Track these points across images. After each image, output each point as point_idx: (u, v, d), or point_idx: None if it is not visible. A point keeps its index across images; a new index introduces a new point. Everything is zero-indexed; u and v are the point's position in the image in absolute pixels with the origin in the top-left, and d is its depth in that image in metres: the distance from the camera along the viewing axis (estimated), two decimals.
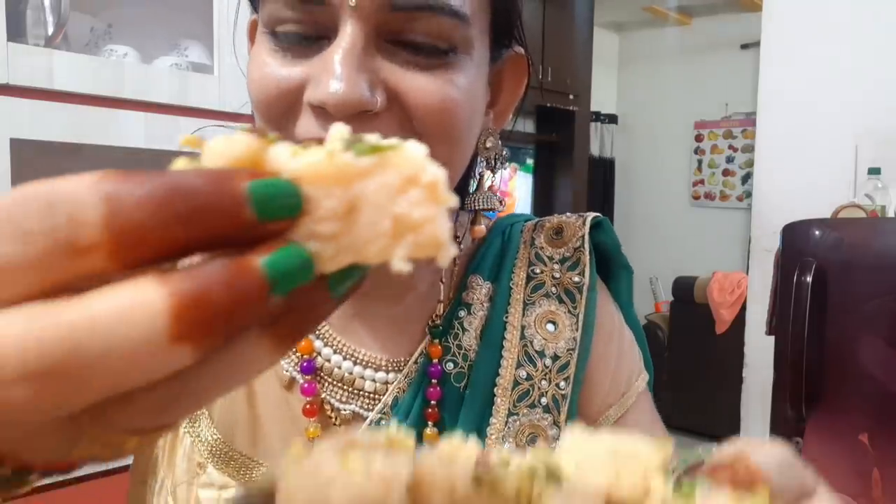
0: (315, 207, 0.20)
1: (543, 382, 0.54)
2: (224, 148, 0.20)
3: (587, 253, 0.60)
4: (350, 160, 0.21)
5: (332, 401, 0.53)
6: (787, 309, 1.45)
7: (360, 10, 0.42)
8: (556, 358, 0.55)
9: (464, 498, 0.27)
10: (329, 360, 0.53)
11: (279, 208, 0.20)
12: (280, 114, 0.45)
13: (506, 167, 0.58)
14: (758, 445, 0.31)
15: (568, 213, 0.64)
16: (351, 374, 0.53)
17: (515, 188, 4.56)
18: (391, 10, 0.43)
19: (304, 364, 0.52)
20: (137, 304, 0.18)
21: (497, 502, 0.26)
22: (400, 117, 0.45)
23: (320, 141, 0.43)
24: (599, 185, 5.61)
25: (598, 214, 0.63)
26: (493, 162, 0.56)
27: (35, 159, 1.35)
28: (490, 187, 0.57)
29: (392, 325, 0.55)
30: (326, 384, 0.53)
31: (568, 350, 0.56)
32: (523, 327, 0.56)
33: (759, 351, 2.09)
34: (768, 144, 2.20)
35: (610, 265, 0.64)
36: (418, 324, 0.56)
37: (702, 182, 5.55)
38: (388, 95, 0.44)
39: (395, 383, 0.53)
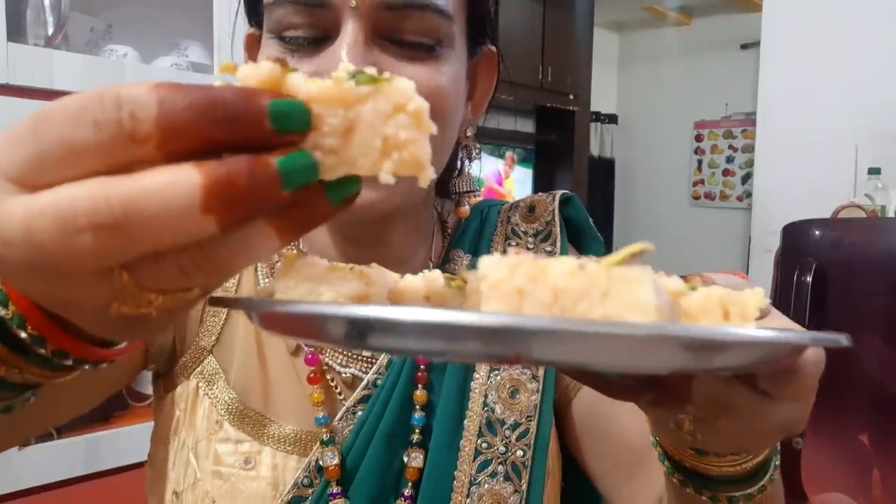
0: (321, 124, 0.25)
1: None
2: (253, 72, 0.25)
3: (557, 225, 0.65)
4: (351, 87, 0.25)
5: (334, 365, 0.58)
6: (787, 309, 1.45)
7: (359, 11, 0.49)
8: None
9: (436, 302, 0.31)
10: None
11: (292, 122, 0.24)
12: None
13: (477, 157, 0.64)
14: (720, 273, 0.35)
15: (540, 193, 0.70)
16: None
17: (514, 186, 4.55)
18: (385, 10, 0.49)
19: None
20: (180, 180, 0.23)
21: (462, 295, 0.30)
22: None
23: None
24: (599, 185, 5.61)
25: (567, 192, 0.69)
26: (469, 151, 0.63)
27: None
28: (468, 173, 0.64)
29: None
30: (328, 350, 0.58)
31: None
32: None
33: None
34: (768, 144, 2.20)
35: (582, 238, 0.69)
36: None
37: (702, 182, 5.55)
38: None
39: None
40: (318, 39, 0.51)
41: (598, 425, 0.63)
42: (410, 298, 0.31)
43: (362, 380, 0.58)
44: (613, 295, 0.21)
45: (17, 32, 1.19)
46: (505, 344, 0.21)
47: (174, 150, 0.23)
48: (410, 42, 0.51)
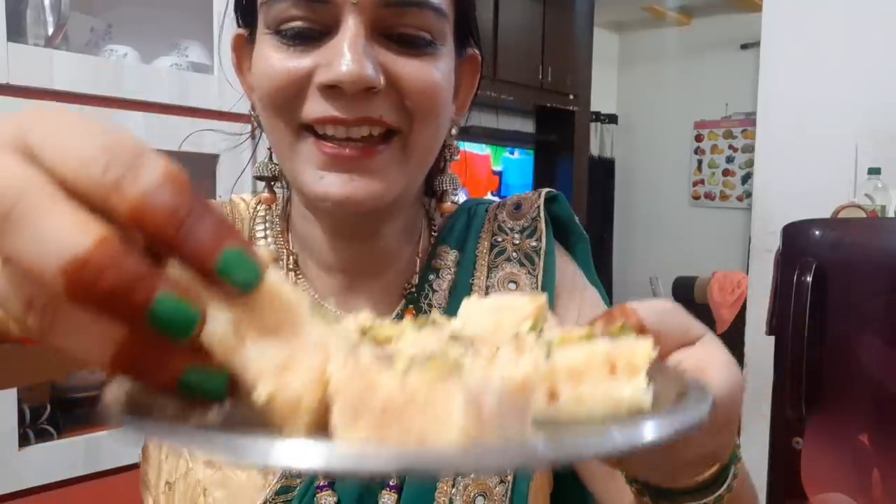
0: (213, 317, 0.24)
1: None
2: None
3: (543, 222, 0.67)
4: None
5: None
6: (787, 309, 1.45)
7: (359, 7, 0.50)
8: None
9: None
10: None
11: (172, 328, 0.23)
12: (289, 100, 0.52)
13: (457, 156, 0.66)
14: (645, 301, 0.35)
15: (527, 191, 0.71)
16: None
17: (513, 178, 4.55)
18: (385, 6, 0.51)
19: None
20: (67, 238, 0.23)
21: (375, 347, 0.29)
22: (396, 96, 0.53)
23: (333, 120, 0.51)
24: (599, 185, 5.61)
25: (553, 190, 0.70)
26: (452, 150, 0.65)
27: None
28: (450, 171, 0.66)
29: (376, 296, 0.63)
30: None
31: None
32: (488, 287, 0.64)
33: (759, 351, 2.09)
34: (768, 144, 2.20)
35: (569, 236, 0.70)
36: (397, 293, 0.63)
37: (702, 182, 5.55)
38: (386, 78, 0.51)
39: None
40: (318, 34, 0.51)
41: None
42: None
43: None
44: (429, 410, 0.22)
45: (17, 32, 1.19)
46: (355, 474, 0.21)
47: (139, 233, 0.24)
48: (408, 38, 0.52)
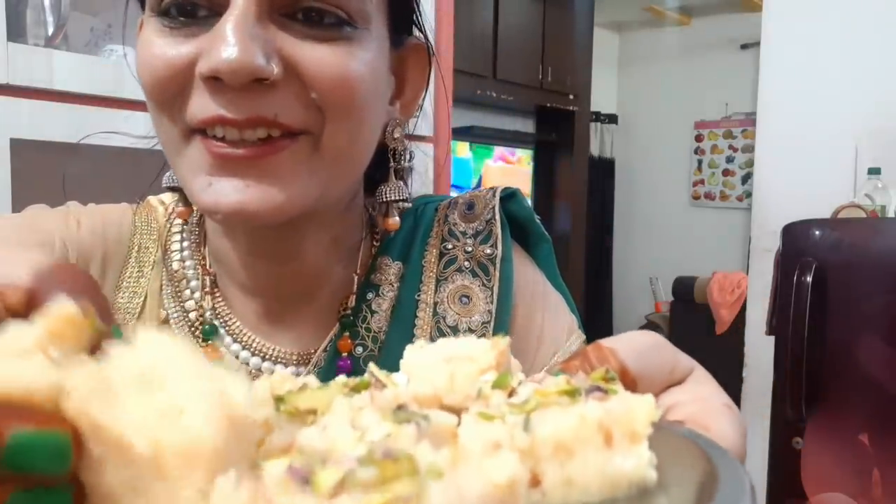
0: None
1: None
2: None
3: (499, 224, 0.58)
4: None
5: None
6: (787, 309, 1.45)
7: None
8: (470, 332, 0.54)
9: (267, 426, 0.23)
10: (238, 357, 0.53)
11: (32, 466, 0.17)
12: (173, 95, 0.44)
13: (409, 161, 0.56)
14: (623, 336, 0.30)
15: (482, 188, 0.63)
16: (259, 370, 0.52)
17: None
18: None
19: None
20: None
21: (293, 426, 0.23)
22: (298, 89, 0.43)
23: (220, 120, 0.41)
24: (599, 185, 5.61)
25: (509, 186, 0.62)
26: (399, 156, 0.54)
27: (35, 159, 1.35)
28: (401, 178, 0.56)
29: (306, 320, 0.54)
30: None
31: (483, 324, 0.55)
32: (436, 304, 0.56)
33: (759, 351, 2.09)
34: (768, 144, 2.20)
35: (528, 237, 0.63)
36: (331, 315, 0.55)
37: (702, 182, 5.55)
38: (285, 67, 0.43)
39: (301, 375, 0.52)
40: (205, 13, 0.43)
41: None
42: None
43: None
44: None
45: (17, 32, 1.19)
46: None
47: None
48: (314, 15, 0.43)
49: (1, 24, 1.11)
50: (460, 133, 3.88)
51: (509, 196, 0.61)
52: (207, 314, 0.53)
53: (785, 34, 2.15)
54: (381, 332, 0.55)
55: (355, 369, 0.52)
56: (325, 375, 0.52)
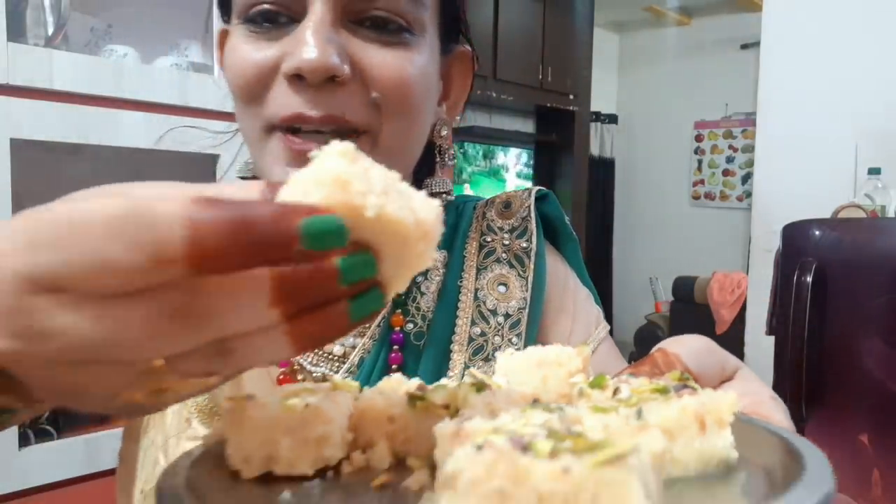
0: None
1: (497, 338, 0.59)
2: (311, 175, 0.25)
3: (533, 221, 0.65)
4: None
5: (305, 364, 0.57)
6: (787, 309, 1.45)
7: None
8: (507, 316, 0.60)
9: (401, 426, 0.30)
10: None
11: (326, 241, 0.24)
12: (258, 92, 0.51)
13: (453, 159, 0.63)
14: (678, 340, 0.37)
15: (517, 188, 0.69)
16: None
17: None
18: None
19: None
20: (253, 282, 0.24)
21: (430, 418, 0.28)
22: (361, 89, 0.50)
23: (299, 118, 0.49)
24: (599, 185, 5.61)
25: (542, 188, 0.68)
26: (444, 152, 0.61)
27: (35, 159, 1.35)
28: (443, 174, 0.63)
29: None
30: None
31: (519, 309, 0.61)
32: (476, 290, 0.61)
33: (759, 351, 2.09)
34: (768, 144, 2.20)
35: (558, 236, 0.69)
36: None
37: (702, 182, 5.55)
38: (352, 68, 0.49)
39: (359, 346, 0.57)
40: (286, 19, 0.50)
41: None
42: (373, 425, 0.30)
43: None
44: (603, 500, 0.20)
45: (17, 32, 1.19)
46: None
47: (209, 269, 0.23)
48: (379, 22, 0.50)
49: (1, 24, 1.11)
50: (460, 133, 3.88)
51: (542, 197, 0.67)
52: None
53: (785, 34, 2.15)
54: (428, 311, 0.60)
55: (406, 343, 0.58)
56: (380, 346, 0.57)
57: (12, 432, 1.15)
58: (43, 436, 1.22)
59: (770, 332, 1.59)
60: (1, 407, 0.30)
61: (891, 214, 1.89)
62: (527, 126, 4.74)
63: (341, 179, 0.25)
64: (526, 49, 4.13)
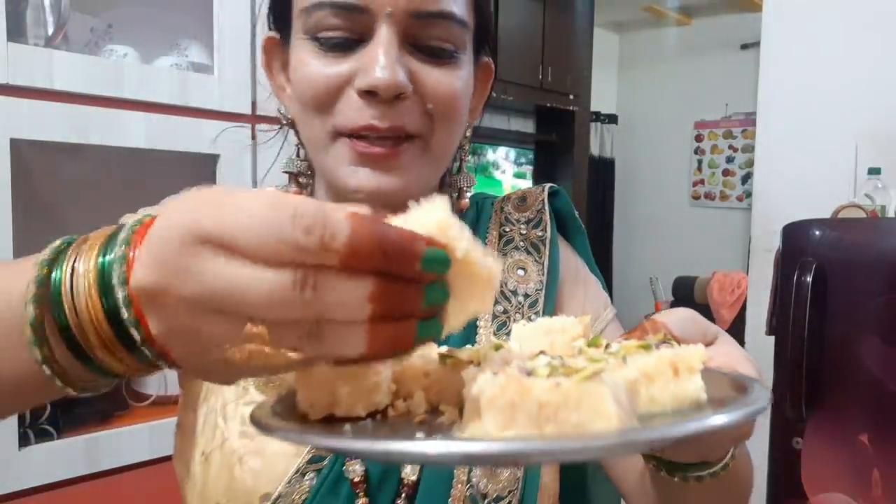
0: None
1: (517, 315, 0.67)
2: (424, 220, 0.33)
3: (547, 214, 0.73)
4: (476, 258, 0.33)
5: None
6: (787, 309, 1.45)
7: (392, 17, 0.56)
8: (527, 296, 0.68)
9: (435, 380, 0.36)
10: None
11: (436, 267, 0.31)
12: (327, 102, 0.58)
13: (467, 155, 0.71)
14: (667, 311, 0.44)
15: (530, 186, 0.77)
16: None
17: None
18: (415, 18, 0.56)
19: None
20: (364, 279, 0.30)
21: (457, 373, 0.35)
22: (419, 101, 0.58)
23: (370, 128, 0.57)
24: (599, 185, 5.61)
25: (554, 185, 0.76)
26: (465, 150, 0.70)
27: (35, 159, 1.35)
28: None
29: None
30: None
31: (536, 290, 0.69)
32: None
33: (759, 351, 2.09)
34: (768, 144, 2.20)
35: (568, 229, 0.76)
36: None
37: (702, 182, 5.55)
38: (412, 84, 0.57)
39: None
40: (353, 42, 0.57)
41: None
42: (412, 379, 0.37)
43: None
44: (584, 406, 0.27)
45: (17, 32, 1.19)
46: (511, 461, 0.28)
47: (353, 266, 0.29)
48: (434, 48, 0.58)
49: (1, 24, 1.11)
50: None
51: (554, 193, 0.75)
52: None
53: (785, 34, 2.15)
54: None
55: None
56: None
57: (12, 432, 1.15)
58: (43, 436, 1.22)
59: (770, 332, 1.59)
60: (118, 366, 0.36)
61: (891, 214, 1.89)
62: (527, 126, 4.74)
63: (443, 224, 0.32)
64: (526, 49, 4.13)
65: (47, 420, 1.24)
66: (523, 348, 0.39)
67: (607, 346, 0.38)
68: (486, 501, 0.61)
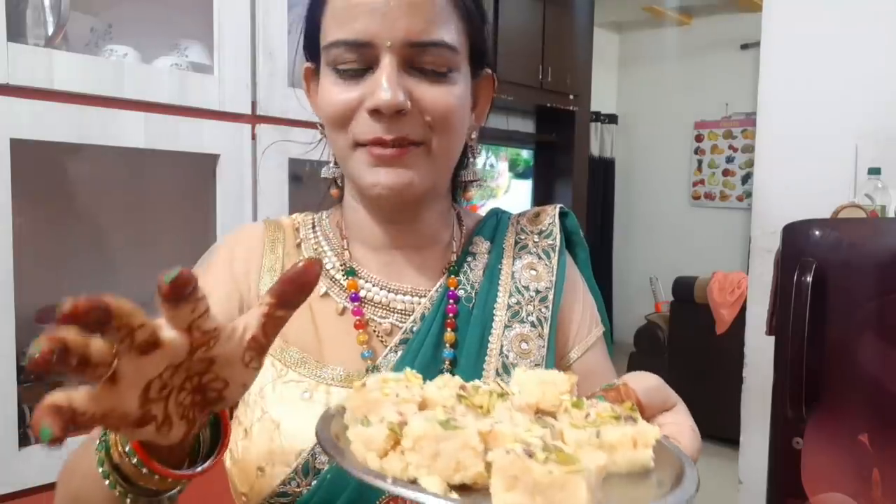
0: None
1: (529, 307, 0.78)
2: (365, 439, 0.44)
3: (557, 227, 0.84)
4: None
5: (374, 318, 0.75)
6: (787, 309, 1.45)
7: (393, 48, 0.67)
8: (538, 292, 0.79)
9: (453, 410, 0.47)
10: (370, 291, 0.77)
11: None
12: (345, 122, 0.70)
13: (478, 154, 0.83)
14: (635, 376, 0.55)
15: (544, 206, 0.88)
16: (387, 298, 0.76)
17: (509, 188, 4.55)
18: (411, 47, 0.68)
19: (352, 295, 0.75)
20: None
21: (470, 410, 0.47)
22: (419, 114, 0.69)
23: (379, 140, 0.71)
24: (599, 185, 5.61)
25: (564, 206, 0.87)
26: (473, 149, 0.81)
27: (35, 159, 1.35)
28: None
29: (417, 269, 0.79)
30: (369, 306, 0.76)
31: (546, 288, 0.80)
32: (513, 271, 0.81)
33: (759, 351, 2.09)
34: (768, 144, 2.20)
35: (573, 246, 0.87)
36: (436, 268, 0.79)
37: (702, 182, 5.55)
38: (412, 101, 0.68)
39: (422, 303, 0.76)
40: (363, 70, 0.69)
41: (590, 388, 0.69)
42: (433, 408, 0.46)
43: (400, 328, 0.75)
44: (567, 489, 0.37)
45: (17, 32, 1.19)
46: None
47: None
48: (429, 70, 0.69)
49: (1, 24, 1.11)
50: None
51: (565, 213, 0.86)
52: (347, 264, 0.78)
53: (785, 34, 2.15)
54: (476, 283, 0.79)
55: (458, 302, 0.77)
56: (439, 303, 0.76)
57: (12, 432, 1.15)
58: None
59: (770, 332, 1.59)
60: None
61: (891, 214, 1.89)
62: (527, 126, 4.75)
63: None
64: (526, 49, 4.13)
65: None
66: (522, 393, 0.51)
67: (587, 415, 0.49)
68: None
